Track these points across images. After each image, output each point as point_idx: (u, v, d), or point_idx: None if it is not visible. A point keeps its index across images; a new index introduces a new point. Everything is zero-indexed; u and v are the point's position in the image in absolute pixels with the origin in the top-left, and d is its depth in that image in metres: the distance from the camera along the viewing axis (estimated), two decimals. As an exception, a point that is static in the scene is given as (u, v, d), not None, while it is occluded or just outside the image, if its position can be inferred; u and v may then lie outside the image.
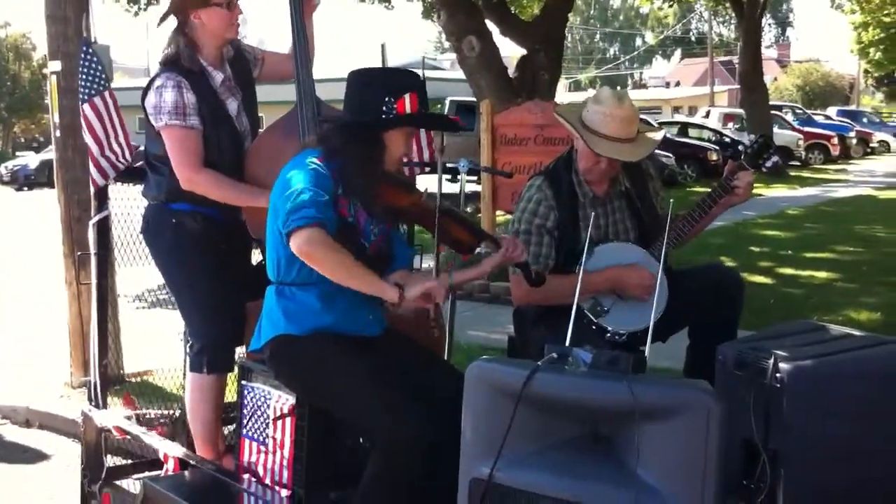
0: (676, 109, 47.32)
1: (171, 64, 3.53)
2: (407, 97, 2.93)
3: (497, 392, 2.45)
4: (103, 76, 3.88)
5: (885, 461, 2.86)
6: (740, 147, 3.76)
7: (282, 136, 3.56)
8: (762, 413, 2.80)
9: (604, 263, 3.50)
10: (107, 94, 3.85)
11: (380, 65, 4.23)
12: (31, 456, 5.36)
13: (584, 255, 3.11)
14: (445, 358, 3.90)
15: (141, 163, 3.85)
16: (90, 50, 3.85)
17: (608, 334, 3.49)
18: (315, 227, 2.76)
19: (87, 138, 3.81)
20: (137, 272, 4.67)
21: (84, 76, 3.82)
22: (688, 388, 2.39)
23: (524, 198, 3.65)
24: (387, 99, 2.92)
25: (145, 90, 3.55)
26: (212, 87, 3.58)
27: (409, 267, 3.30)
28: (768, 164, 3.71)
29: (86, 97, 3.82)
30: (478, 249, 3.29)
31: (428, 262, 3.67)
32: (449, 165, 4.09)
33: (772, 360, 2.79)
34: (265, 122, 3.77)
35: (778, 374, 2.76)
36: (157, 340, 6.42)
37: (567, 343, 2.59)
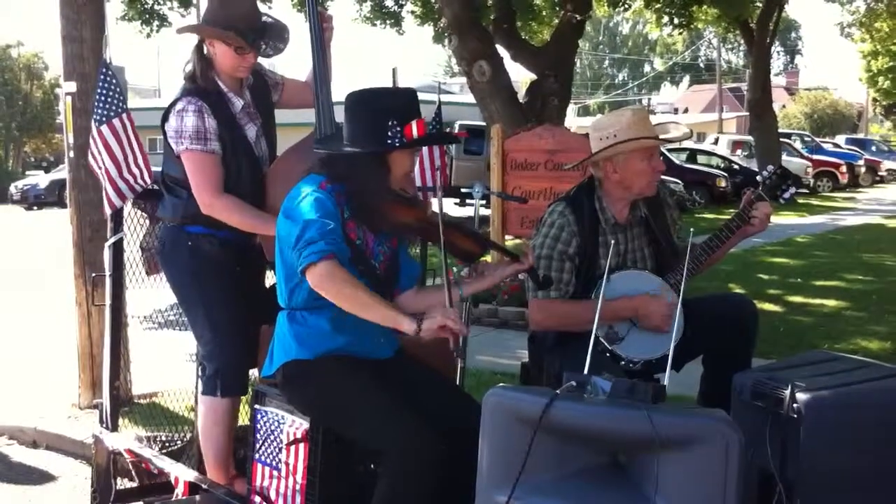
0: (685, 136, 47.29)
1: (190, 80, 3.57)
2: (414, 124, 2.93)
3: (515, 420, 2.44)
4: (122, 98, 3.89)
5: (902, 493, 2.84)
6: (758, 178, 3.76)
7: (300, 159, 3.57)
8: (778, 443, 2.79)
9: (620, 291, 3.50)
10: (125, 115, 3.86)
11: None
12: (38, 477, 5.33)
13: (603, 282, 3.10)
14: (458, 383, 3.89)
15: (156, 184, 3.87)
16: (109, 71, 3.86)
17: (622, 362, 3.48)
18: (326, 260, 2.78)
19: (106, 159, 3.82)
20: (145, 293, 4.66)
21: (103, 97, 3.83)
22: (707, 417, 2.37)
23: (546, 223, 3.64)
24: (390, 123, 2.93)
25: (166, 113, 3.56)
26: (232, 113, 3.60)
27: (417, 282, 3.30)
28: (786, 195, 3.71)
29: (104, 118, 3.82)
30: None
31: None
32: (463, 190, 4.09)
33: (789, 391, 2.78)
34: (285, 143, 3.78)
35: (795, 405, 2.74)
36: (165, 362, 6.40)
37: (585, 371, 2.58)
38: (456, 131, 20.94)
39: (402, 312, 2.84)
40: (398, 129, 2.93)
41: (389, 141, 2.94)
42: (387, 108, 2.97)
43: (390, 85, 4.51)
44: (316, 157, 3.13)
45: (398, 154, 3.00)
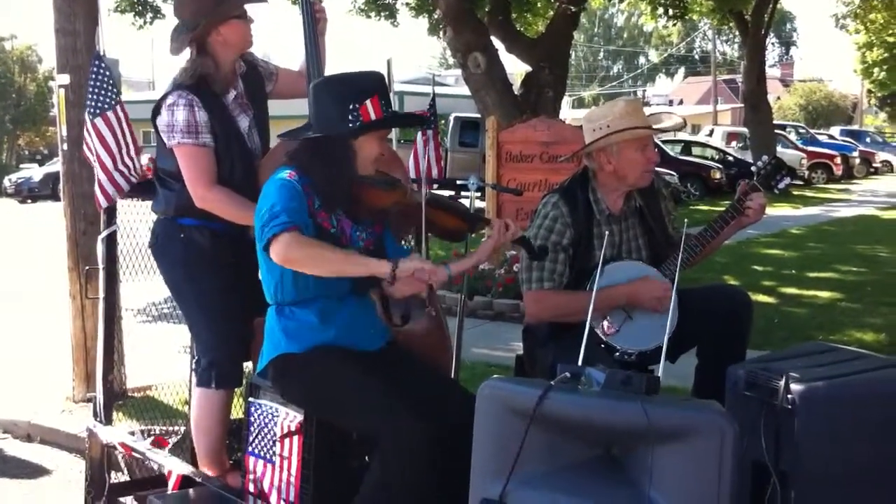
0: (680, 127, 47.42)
1: (194, 78, 3.53)
2: (369, 103, 2.93)
3: (509, 411, 2.43)
4: (115, 90, 3.88)
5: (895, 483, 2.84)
6: (753, 168, 3.77)
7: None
8: (773, 434, 2.79)
9: (615, 281, 3.49)
10: (118, 108, 3.85)
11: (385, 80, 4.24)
12: (32, 471, 5.33)
13: (597, 273, 3.10)
14: (452, 375, 3.89)
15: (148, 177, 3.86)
16: (102, 63, 3.85)
17: (617, 353, 3.48)
18: (287, 231, 2.78)
19: (101, 152, 3.81)
20: (138, 285, 4.66)
21: (96, 89, 3.82)
22: (702, 409, 2.37)
23: (540, 214, 3.64)
24: (351, 107, 2.92)
25: (156, 108, 3.55)
26: (223, 104, 3.58)
27: None
28: (780, 185, 3.71)
29: (98, 111, 3.82)
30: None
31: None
32: (458, 182, 4.09)
33: (783, 382, 2.78)
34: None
35: (789, 396, 2.74)
36: (159, 355, 6.40)
37: (579, 362, 2.57)
38: (451, 124, 21.01)
39: (376, 259, 2.85)
40: (357, 112, 2.93)
41: (351, 125, 2.93)
42: (347, 91, 2.96)
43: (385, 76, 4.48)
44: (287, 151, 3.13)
45: (364, 138, 2.99)
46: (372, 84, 3.00)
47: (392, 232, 3.26)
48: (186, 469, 3.71)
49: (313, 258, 2.81)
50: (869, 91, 44.71)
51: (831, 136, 35.51)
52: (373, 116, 2.94)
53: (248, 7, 3.62)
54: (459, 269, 3.20)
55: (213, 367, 3.58)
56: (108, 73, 3.84)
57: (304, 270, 2.86)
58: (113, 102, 3.85)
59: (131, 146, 3.88)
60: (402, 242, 3.52)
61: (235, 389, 3.76)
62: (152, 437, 4.15)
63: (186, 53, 3.58)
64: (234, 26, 3.54)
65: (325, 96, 3.02)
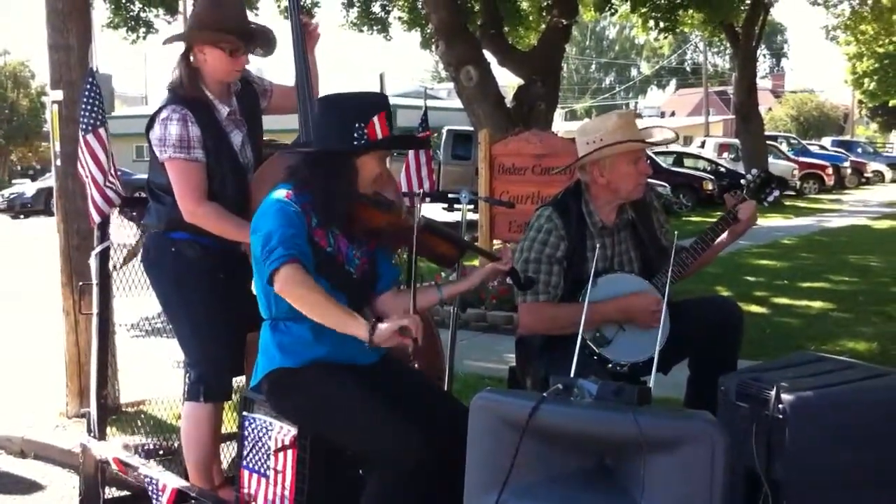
0: (671, 139, 47.52)
1: (175, 90, 3.57)
2: (376, 121, 2.95)
3: (502, 423, 2.45)
4: (103, 108, 3.91)
5: (886, 491, 2.86)
6: (742, 182, 3.80)
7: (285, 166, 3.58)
8: (764, 443, 2.80)
9: (608, 294, 3.51)
10: (106, 125, 3.88)
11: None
12: (26, 486, 5.30)
13: (589, 286, 3.12)
14: (445, 387, 3.90)
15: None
16: (94, 80, 3.87)
17: (609, 365, 3.50)
18: (288, 264, 2.79)
19: (93, 167, 3.83)
20: (133, 301, 4.66)
21: (89, 106, 3.84)
22: (693, 419, 2.39)
23: (533, 227, 3.66)
24: (357, 125, 2.94)
25: (150, 121, 3.57)
26: (217, 120, 3.60)
27: (394, 284, 3.29)
28: (770, 198, 3.74)
29: (91, 127, 3.84)
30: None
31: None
32: (450, 196, 4.10)
33: (774, 391, 2.79)
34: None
35: (780, 405, 2.76)
36: (152, 369, 6.38)
37: (571, 374, 2.59)
38: (443, 137, 21.04)
39: (359, 319, 2.84)
40: (364, 130, 2.94)
41: (356, 143, 2.95)
42: (354, 109, 2.98)
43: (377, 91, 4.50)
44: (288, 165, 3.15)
45: (366, 157, 3.01)
46: (379, 104, 3.03)
47: (383, 248, 3.28)
48: (180, 483, 3.70)
49: (306, 302, 2.82)
50: (860, 102, 44.87)
51: (822, 147, 35.65)
52: (379, 136, 2.97)
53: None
54: (452, 292, 3.25)
55: (202, 381, 3.59)
56: (97, 89, 3.87)
57: (295, 306, 2.87)
58: (104, 119, 3.88)
59: (112, 164, 3.92)
60: (395, 257, 3.55)
61: (226, 403, 3.76)
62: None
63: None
64: (219, 56, 3.55)
65: (332, 112, 3.03)
